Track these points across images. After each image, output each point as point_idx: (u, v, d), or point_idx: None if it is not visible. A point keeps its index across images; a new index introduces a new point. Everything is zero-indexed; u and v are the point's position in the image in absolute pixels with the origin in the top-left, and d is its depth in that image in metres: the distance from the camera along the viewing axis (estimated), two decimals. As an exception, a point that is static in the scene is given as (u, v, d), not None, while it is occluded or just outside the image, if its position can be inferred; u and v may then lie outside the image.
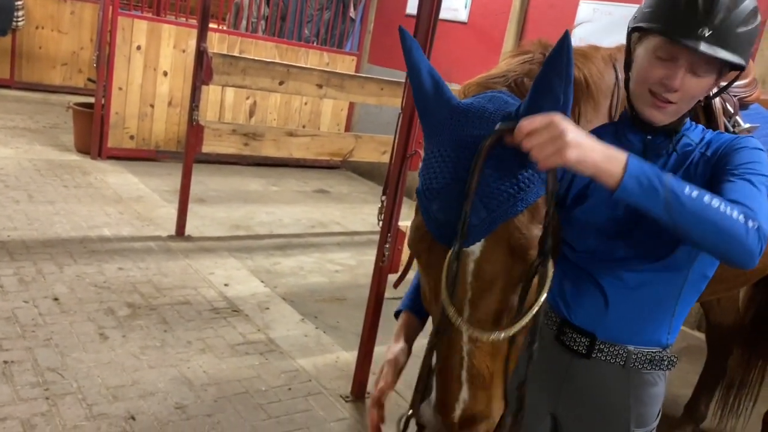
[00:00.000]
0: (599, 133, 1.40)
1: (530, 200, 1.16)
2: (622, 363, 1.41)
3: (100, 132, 6.11)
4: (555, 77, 1.11)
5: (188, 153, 4.55)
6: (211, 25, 5.27)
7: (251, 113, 6.99)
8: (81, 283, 3.61)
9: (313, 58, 7.11)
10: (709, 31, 1.28)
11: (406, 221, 2.79)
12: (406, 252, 2.82)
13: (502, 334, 1.14)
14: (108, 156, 6.18)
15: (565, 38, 1.11)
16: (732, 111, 1.96)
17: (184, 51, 6.36)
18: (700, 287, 1.43)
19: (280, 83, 4.70)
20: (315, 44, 7.34)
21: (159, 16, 6.74)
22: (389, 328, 2.96)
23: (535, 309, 1.14)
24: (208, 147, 4.54)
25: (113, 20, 5.95)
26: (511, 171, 1.15)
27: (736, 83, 2.12)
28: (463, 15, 6.54)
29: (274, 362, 3.17)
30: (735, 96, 2.03)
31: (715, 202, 1.11)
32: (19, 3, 8.16)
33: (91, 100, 6.39)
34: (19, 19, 8.24)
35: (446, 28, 6.35)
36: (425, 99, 1.23)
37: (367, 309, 3.02)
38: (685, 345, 4.37)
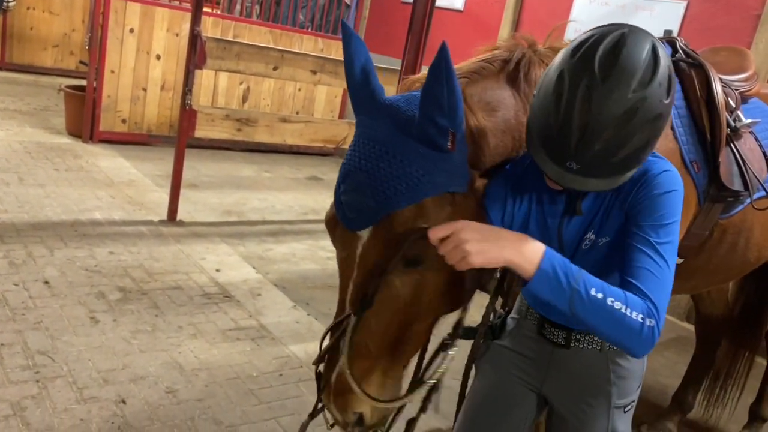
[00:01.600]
0: None
1: (417, 198, 1.29)
2: (598, 348, 1.50)
3: (91, 115, 6.06)
4: (437, 87, 1.21)
5: (181, 137, 4.52)
6: (205, 9, 5.23)
7: (244, 98, 6.96)
8: (72, 267, 3.59)
9: (307, 44, 7.07)
10: (577, 165, 1.24)
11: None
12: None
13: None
14: (99, 139, 6.14)
15: (442, 51, 1.19)
16: (734, 105, 1.97)
17: (177, 35, 6.31)
18: None
19: (274, 69, 4.67)
20: (309, 30, 7.29)
21: (152, -2, 6.68)
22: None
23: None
24: (201, 132, 4.51)
25: (106, 2, 5.89)
26: (403, 170, 1.27)
27: (737, 77, 2.14)
28: (459, 3, 6.52)
29: (265, 348, 3.17)
30: (736, 90, 2.04)
31: (618, 303, 1.19)
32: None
33: (83, 82, 6.33)
34: (10, -1, 8.14)
35: (442, 16, 6.32)
36: (354, 90, 1.36)
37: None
38: (674, 336, 4.40)
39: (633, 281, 1.25)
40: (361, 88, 1.35)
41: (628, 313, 1.19)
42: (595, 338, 1.49)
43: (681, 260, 1.98)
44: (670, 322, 4.67)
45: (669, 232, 1.29)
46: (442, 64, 1.20)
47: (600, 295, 1.19)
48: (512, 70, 1.49)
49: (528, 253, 1.20)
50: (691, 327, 4.35)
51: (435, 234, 1.23)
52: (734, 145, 1.94)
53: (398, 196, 1.27)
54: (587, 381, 1.52)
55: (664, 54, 1.24)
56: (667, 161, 1.37)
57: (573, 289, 1.19)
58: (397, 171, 1.27)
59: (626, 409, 1.55)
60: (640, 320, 1.19)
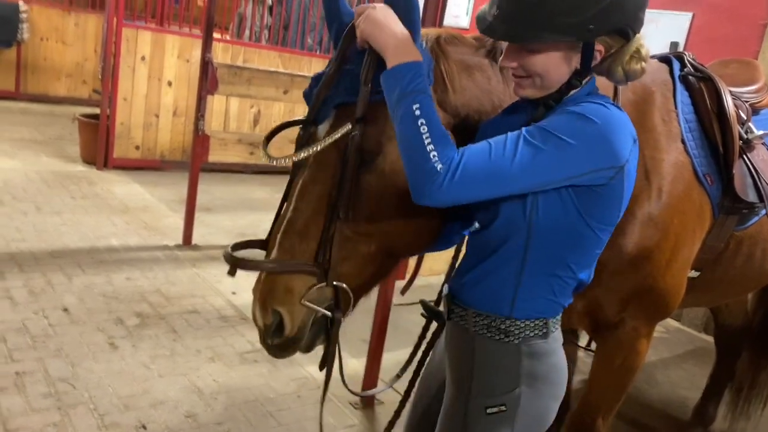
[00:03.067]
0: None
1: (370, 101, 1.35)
2: (466, 326, 1.43)
3: (105, 142, 6.14)
4: None
5: (194, 163, 4.58)
6: (215, 36, 5.31)
7: (256, 122, 7.02)
8: (90, 294, 3.63)
9: (316, 66, 7.14)
10: (496, 9, 1.28)
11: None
12: (413, 258, 2.83)
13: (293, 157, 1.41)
14: (114, 166, 6.22)
15: None
16: (745, 117, 1.98)
17: (188, 61, 6.40)
18: (554, 271, 1.36)
19: (285, 92, 4.74)
20: (318, 53, 7.37)
21: (162, 26, 6.79)
22: (397, 334, 2.97)
23: (322, 145, 1.37)
24: (214, 157, 4.57)
25: (118, 31, 5.99)
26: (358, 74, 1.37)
27: (747, 89, 2.15)
28: (464, 21, 6.58)
29: (282, 370, 3.18)
30: (747, 102, 2.05)
31: (426, 129, 1.20)
32: (24, 15, 8.23)
33: (97, 110, 6.42)
34: (24, 31, 8.30)
35: (448, 35, 6.38)
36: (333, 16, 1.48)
37: (374, 316, 3.03)
38: (692, 348, 4.37)
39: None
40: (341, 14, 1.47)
41: (426, 143, 1.19)
42: (464, 314, 1.43)
43: (697, 273, 1.98)
44: (688, 334, 4.63)
45: (548, 140, 1.20)
46: None
47: (418, 112, 1.21)
48: (490, 46, 1.53)
49: (401, 51, 1.27)
50: (709, 338, 4.32)
51: (360, 8, 1.35)
52: (747, 156, 1.95)
53: (354, 91, 1.36)
54: (456, 365, 1.46)
55: None
56: (613, 105, 1.30)
57: (405, 94, 1.22)
58: (356, 72, 1.37)
59: (489, 411, 1.39)
60: (432, 156, 1.18)
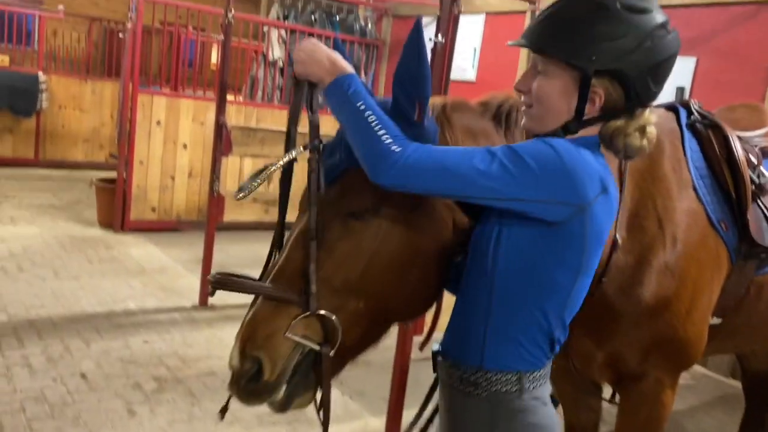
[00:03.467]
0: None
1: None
2: (445, 380, 1.44)
3: (122, 205, 6.24)
4: (409, 57, 1.35)
5: (210, 224, 4.63)
6: (228, 97, 5.44)
7: (270, 180, 7.11)
8: (108, 359, 3.62)
9: (327, 124, 7.25)
10: (530, 29, 1.38)
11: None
12: (430, 313, 2.81)
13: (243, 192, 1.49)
14: (130, 228, 6.28)
15: (416, 27, 1.34)
16: (756, 162, 1.99)
17: (202, 124, 6.53)
18: (519, 315, 1.34)
19: (297, 150, 4.81)
20: (328, 110, 7.51)
21: (177, 91, 6.96)
22: (417, 391, 2.92)
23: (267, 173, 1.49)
24: (230, 216, 4.63)
25: (133, 97, 6.16)
26: None
27: (756, 133, 2.16)
28: (471, 74, 6.69)
29: (301, 431, 3.13)
30: (756, 146, 2.06)
31: (373, 118, 1.28)
32: (43, 85, 8.50)
33: (113, 174, 6.55)
34: (43, 100, 8.57)
35: (455, 87, 6.47)
36: None
37: (393, 373, 2.99)
38: (720, 394, 4.25)
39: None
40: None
41: (376, 129, 1.27)
42: (444, 366, 1.44)
43: (719, 320, 1.95)
44: (715, 380, 4.52)
45: (507, 155, 1.24)
46: (414, 37, 1.34)
47: (362, 107, 1.30)
48: (495, 111, 1.58)
49: (334, 69, 1.36)
50: (737, 384, 4.20)
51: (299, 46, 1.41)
52: (761, 201, 1.95)
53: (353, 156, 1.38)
54: (441, 423, 1.47)
55: (671, 36, 1.37)
56: (590, 152, 1.31)
57: (347, 98, 1.31)
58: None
59: None
60: (384, 139, 1.26)
